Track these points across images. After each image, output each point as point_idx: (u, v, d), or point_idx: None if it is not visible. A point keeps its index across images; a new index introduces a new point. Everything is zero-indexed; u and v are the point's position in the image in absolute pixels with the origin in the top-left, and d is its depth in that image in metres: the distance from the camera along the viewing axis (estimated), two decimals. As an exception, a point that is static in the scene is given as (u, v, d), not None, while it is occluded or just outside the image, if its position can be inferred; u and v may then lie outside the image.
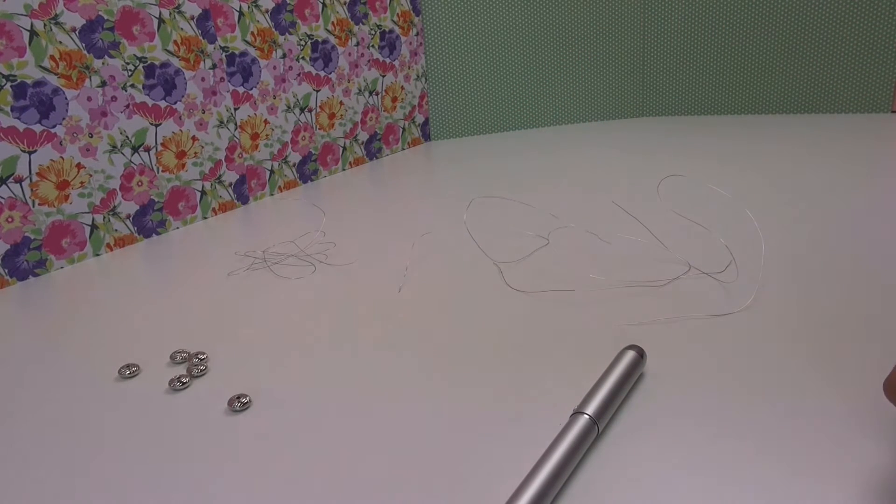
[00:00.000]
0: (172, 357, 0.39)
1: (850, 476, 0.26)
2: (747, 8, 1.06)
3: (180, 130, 0.68)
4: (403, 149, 1.05)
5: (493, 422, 0.31)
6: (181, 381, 0.36)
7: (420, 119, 1.06)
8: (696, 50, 1.11)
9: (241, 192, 0.76)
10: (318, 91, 0.85)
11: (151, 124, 0.65)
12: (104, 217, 0.62)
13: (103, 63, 0.60)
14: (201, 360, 0.38)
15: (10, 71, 0.54)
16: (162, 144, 0.67)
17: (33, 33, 0.55)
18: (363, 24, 0.91)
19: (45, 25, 0.55)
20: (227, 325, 0.44)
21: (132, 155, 0.64)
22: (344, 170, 0.92)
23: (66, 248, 0.59)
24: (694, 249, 0.51)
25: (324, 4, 0.84)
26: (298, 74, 0.82)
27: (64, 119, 0.58)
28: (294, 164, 0.83)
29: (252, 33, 0.75)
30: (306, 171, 0.86)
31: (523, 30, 1.09)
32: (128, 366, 0.38)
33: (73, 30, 0.58)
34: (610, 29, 1.13)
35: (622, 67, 1.15)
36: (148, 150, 0.65)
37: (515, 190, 0.74)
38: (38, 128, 0.56)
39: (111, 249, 0.63)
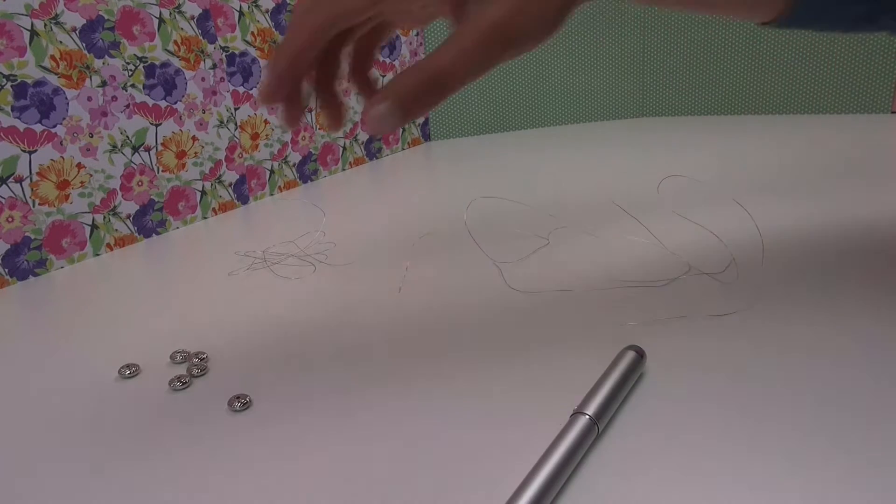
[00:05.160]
0: (172, 357, 0.39)
1: (852, 476, 0.26)
2: (747, 8, 1.06)
3: (180, 130, 0.68)
4: (403, 149, 1.05)
5: (493, 422, 0.31)
6: (181, 381, 0.36)
7: (420, 119, 1.07)
8: (696, 50, 1.11)
9: (241, 192, 0.76)
10: (318, 91, 0.85)
11: (151, 124, 0.65)
12: (104, 217, 0.62)
13: (104, 63, 0.60)
14: (201, 360, 0.38)
15: (11, 71, 0.54)
16: (162, 144, 0.67)
17: (34, 33, 0.55)
18: (363, 24, 0.91)
19: (45, 25, 0.55)
20: (227, 325, 0.44)
21: (132, 155, 0.64)
22: (344, 170, 0.92)
23: (67, 248, 0.59)
24: (694, 249, 0.51)
25: (324, 4, 0.84)
26: (298, 74, 0.82)
27: (64, 119, 0.58)
28: (294, 164, 0.83)
29: (252, 33, 0.75)
30: (306, 171, 0.86)
31: (523, 30, 1.09)
32: (128, 366, 0.38)
33: (74, 30, 0.58)
34: (610, 29, 1.13)
35: (622, 67, 1.15)
36: (148, 150, 0.65)
37: (515, 190, 0.74)
38: (38, 128, 0.56)
39: (111, 249, 0.63)
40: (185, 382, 0.36)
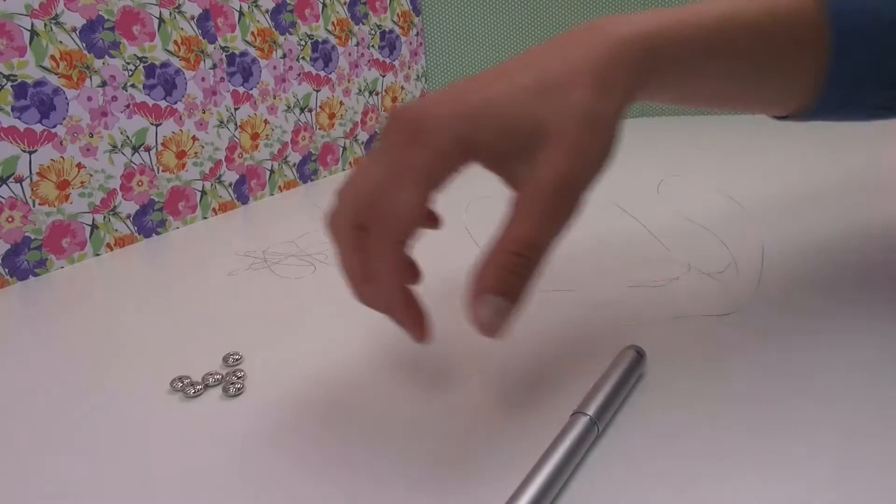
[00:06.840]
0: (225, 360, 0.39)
1: (852, 477, 0.26)
2: (747, 8, 1.06)
3: (180, 130, 0.68)
4: (403, 149, 1.05)
5: (493, 421, 0.31)
6: (182, 384, 0.36)
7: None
8: (696, 50, 1.11)
9: (241, 192, 0.76)
10: (318, 91, 0.85)
11: (152, 124, 0.65)
12: (104, 217, 0.62)
13: (104, 63, 0.60)
14: (237, 362, 0.38)
15: (11, 71, 0.54)
16: (162, 144, 0.67)
17: (34, 33, 0.55)
18: (363, 24, 0.91)
19: (45, 25, 0.55)
20: (227, 324, 0.44)
21: (132, 155, 0.64)
22: (344, 170, 0.92)
23: (67, 248, 0.59)
24: (694, 249, 0.51)
25: (324, 4, 0.84)
26: (298, 74, 0.82)
27: (64, 119, 0.58)
28: (294, 164, 0.83)
29: (252, 33, 0.75)
30: (306, 171, 0.86)
31: (523, 30, 1.09)
32: (192, 384, 0.36)
33: (74, 30, 0.58)
34: (610, 29, 1.12)
35: (622, 67, 1.15)
36: (148, 150, 0.65)
37: (515, 190, 0.73)
38: (38, 128, 0.56)
39: (111, 249, 0.63)
40: (196, 390, 0.36)
